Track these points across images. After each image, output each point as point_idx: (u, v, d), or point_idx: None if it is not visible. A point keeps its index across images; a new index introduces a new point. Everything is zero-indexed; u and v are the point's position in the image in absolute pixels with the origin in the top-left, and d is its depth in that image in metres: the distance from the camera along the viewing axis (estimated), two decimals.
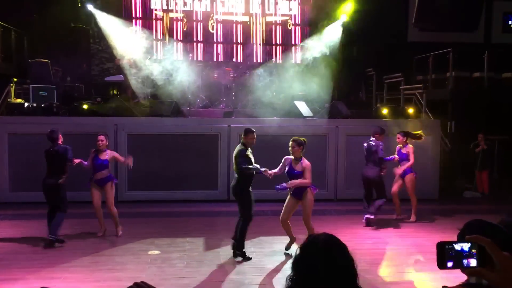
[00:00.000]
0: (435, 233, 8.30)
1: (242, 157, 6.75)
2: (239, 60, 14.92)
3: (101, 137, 7.87)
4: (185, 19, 14.69)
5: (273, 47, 15.70)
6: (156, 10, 15.02)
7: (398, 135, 9.26)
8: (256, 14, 15.29)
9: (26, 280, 5.89)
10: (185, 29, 14.82)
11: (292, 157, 6.96)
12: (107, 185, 7.85)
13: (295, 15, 15.67)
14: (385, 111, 12.11)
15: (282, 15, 15.51)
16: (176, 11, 14.98)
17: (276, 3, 15.45)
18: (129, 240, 7.70)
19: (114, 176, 8.42)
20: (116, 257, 6.90)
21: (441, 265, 1.36)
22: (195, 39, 15.11)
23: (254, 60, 14.88)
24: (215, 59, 14.87)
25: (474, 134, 12.32)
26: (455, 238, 1.86)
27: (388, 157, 9.05)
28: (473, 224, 1.93)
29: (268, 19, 15.42)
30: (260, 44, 15.34)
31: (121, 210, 9.89)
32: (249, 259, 6.77)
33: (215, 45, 15.17)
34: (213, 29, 14.67)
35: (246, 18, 15.18)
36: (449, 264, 1.35)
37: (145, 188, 10.61)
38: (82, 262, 6.70)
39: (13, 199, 10.14)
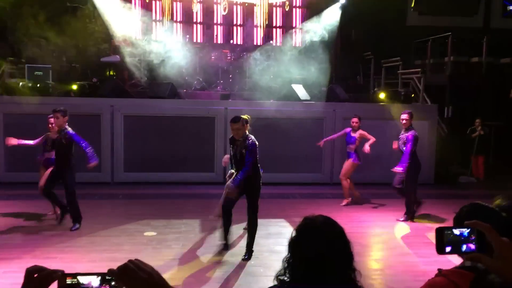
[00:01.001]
0: (431, 217, 8.35)
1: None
2: (238, 43, 14.75)
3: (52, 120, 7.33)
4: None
5: (272, 29, 15.54)
6: None
7: (356, 119, 8.83)
8: None
9: (21, 259, 5.90)
10: (195, 11, 14.42)
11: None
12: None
13: None
14: (382, 95, 12.08)
15: None
16: None
17: None
18: (125, 221, 7.71)
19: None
20: (112, 238, 6.92)
21: (440, 250, 1.36)
22: (194, 21, 14.91)
23: (255, 43, 14.70)
24: (215, 41, 14.69)
25: (471, 120, 12.32)
26: (450, 223, 1.85)
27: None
28: (470, 207, 1.92)
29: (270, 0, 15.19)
30: (261, 26, 15.16)
31: (117, 191, 9.93)
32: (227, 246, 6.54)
33: (215, 26, 14.97)
34: (225, 10, 14.46)
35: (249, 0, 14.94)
36: (448, 249, 1.35)
37: (141, 169, 10.60)
38: (78, 242, 6.71)
39: (8, 179, 10.13)
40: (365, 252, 6.51)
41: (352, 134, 8.86)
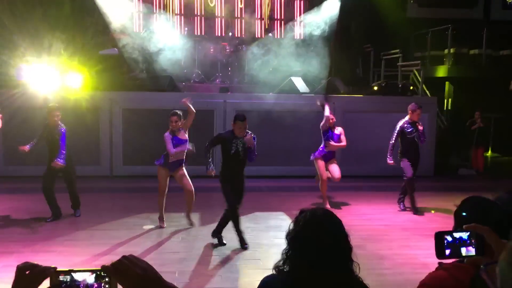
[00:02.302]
0: (429, 210, 8.35)
1: (213, 140, 6.51)
2: (237, 35, 14.65)
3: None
4: None
5: (273, 22, 15.43)
6: None
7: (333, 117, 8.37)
8: None
9: (21, 253, 5.90)
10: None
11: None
12: None
13: None
14: (376, 88, 12.02)
15: None
16: None
17: None
18: (124, 215, 7.71)
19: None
20: (112, 231, 6.92)
21: (440, 254, 1.35)
22: (195, 13, 14.79)
23: (256, 36, 14.60)
24: (217, 34, 14.58)
25: (471, 112, 12.30)
26: (450, 215, 1.84)
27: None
28: (471, 201, 1.91)
29: None
30: (262, 18, 15.06)
31: (117, 184, 9.91)
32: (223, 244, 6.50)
33: (216, 19, 14.87)
34: (212, 2, 14.34)
35: None
36: (447, 251, 1.34)
37: (141, 163, 10.57)
38: (77, 236, 6.71)
39: (7, 173, 10.10)
40: (364, 244, 6.51)
41: (337, 132, 8.31)
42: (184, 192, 7.16)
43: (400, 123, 8.30)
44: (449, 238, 1.35)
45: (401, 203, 8.42)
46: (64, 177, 7.51)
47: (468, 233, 1.33)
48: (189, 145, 7.22)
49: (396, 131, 8.28)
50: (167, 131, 7.05)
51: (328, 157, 8.35)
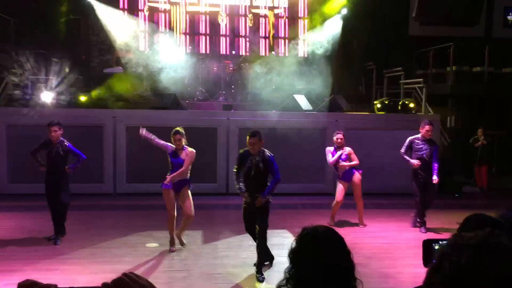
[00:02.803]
0: (434, 228, 8.30)
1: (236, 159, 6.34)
2: (241, 53, 14.79)
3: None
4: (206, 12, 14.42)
5: (276, 40, 15.55)
6: (157, 2, 14.85)
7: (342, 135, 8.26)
8: (263, 7, 15.11)
9: (23, 271, 5.88)
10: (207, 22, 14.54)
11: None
12: None
13: (298, 8, 15.44)
14: (379, 105, 12.06)
15: (269, 8, 15.24)
16: (185, 4, 14.76)
17: None
18: (127, 233, 7.69)
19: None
20: (114, 250, 6.89)
21: (427, 262, 1.34)
22: (201, 32, 14.95)
23: (261, 53, 14.74)
24: (221, 52, 14.72)
25: (473, 129, 12.30)
26: (452, 232, 1.84)
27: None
28: (473, 219, 1.91)
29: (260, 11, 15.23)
30: (266, 37, 15.21)
31: (120, 202, 9.91)
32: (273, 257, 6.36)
33: (221, 38, 15.02)
34: (222, 21, 14.57)
35: (256, 10, 15.01)
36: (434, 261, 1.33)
37: (144, 180, 10.58)
38: (79, 254, 6.69)
39: (11, 191, 10.12)
40: (367, 262, 6.46)
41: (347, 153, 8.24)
42: (183, 214, 6.84)
43: (411, 137, 8.20)
44: (437, 247, 1.33)
45: (422, 227, 8.12)
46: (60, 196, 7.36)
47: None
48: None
49: (406, 142, 8.18)
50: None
51: (348, 177, 8.25)
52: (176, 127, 6.99)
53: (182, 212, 6.86)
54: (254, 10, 14.87)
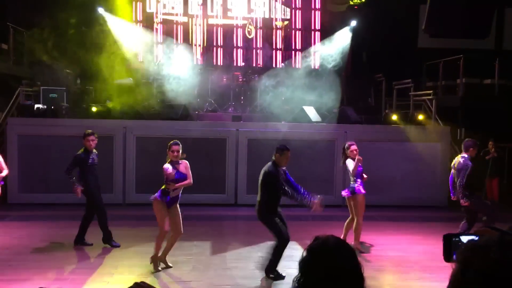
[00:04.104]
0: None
1: (279, 182, 6.22)
2: (254, 65, 14.91)
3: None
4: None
5: (285, 52, 15.64)
6: (167, 14, 15.02)
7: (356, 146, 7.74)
8: (276, 19, 15.26)
9: (33, 281, 5.91)
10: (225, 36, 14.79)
11: None
12: None
13: (313, 21, 15.53)
14: (394, 117, 12.06)
15: (283, 19, 15.40)
16: (197, 16, 14.96)
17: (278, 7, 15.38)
18: (136, 243, 7.70)
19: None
20: (123, 260, 6.91)
21: (448, 257, 1.34)
22: (214, 44, 15.10)
23: (274, 65, 14.86)
24: (234, 64, 14.87)
25: (484, 141, 12.20)
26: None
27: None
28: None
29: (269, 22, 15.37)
30: (280, 49, 15.33)
31: (129, 212, 9.94)
32: (282, 277, 6.22)
33: (234, 49, 15.16)
34: (250, 34, 14.80)
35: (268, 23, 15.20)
36: (455, 256, 1.31)
37: (153, 191, 10.59)
38: (88, 264, 6.71)
39: (21, 200, 10.20)
40: (377, 276, 6.41)
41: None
42: (172, 233, 6.45)
43: (467, 162, 7.45)
44: (458, 241, 1.32)
45: None
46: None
47: (477, 237, 1.31)
48: None
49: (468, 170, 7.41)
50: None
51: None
52: (175, 140, 6.62)
53: (172, 231, 6.47)
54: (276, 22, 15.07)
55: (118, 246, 7.42)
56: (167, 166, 6.35)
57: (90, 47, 14.02)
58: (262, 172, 6.29)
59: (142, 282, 1.24)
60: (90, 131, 7.59)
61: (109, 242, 7.45)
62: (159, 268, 6.44)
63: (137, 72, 13.07)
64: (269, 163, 6.29)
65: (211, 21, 14.97)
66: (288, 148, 6.37)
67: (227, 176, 10.80)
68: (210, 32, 15.01)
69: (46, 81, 11.95)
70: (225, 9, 14.97)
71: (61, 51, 13.09)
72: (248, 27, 14.72)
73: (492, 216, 7.61)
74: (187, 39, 14.87)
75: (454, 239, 1.33)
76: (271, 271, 6.21)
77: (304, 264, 1.80)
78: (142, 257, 7.02)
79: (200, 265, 6.75)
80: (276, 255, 6.19)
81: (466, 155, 7.44)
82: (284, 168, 6.39)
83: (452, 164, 7.71)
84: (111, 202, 10.32)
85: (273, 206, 6.28)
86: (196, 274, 6.43)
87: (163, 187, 6.47)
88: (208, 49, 15.03)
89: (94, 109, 11.41)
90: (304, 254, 1.83)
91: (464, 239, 1.33)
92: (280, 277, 6.21)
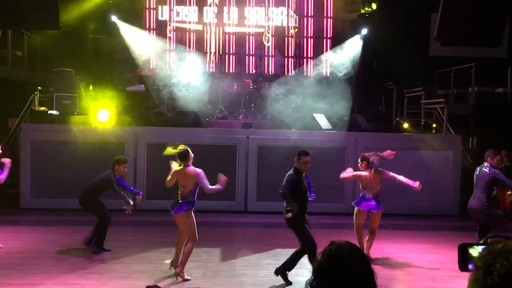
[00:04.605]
0: (455, 250, 8.13)
1: (289, 183, 6.18)
2: (266, 72, 14.98)
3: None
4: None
5: (296, 60, 15.69)
6: (179, 22, 15.14)
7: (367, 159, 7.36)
8: (288, 27, 15.34)
9: (44, 285, 5.96)
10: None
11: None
12: None
13: (324, 29, 15.57)
14: (405, 125, 12.01)
15: (294, 27, 15.45)
16: (210, 24, 15.08)
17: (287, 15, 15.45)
18: (146, 249, 7.74)
19: None
20: (133, 265, 6.94)
21: (463, 267, 1.34)
22: (227, 52, 15.18)
23: (286, 73, 14.93)
24: (246, 71, 14.94)
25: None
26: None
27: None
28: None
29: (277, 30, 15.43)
30: (292, 56, 15.39)
31: (139, 218, 9.98)
32: (289, 283, 6.22)
33: (246, 57, 15.24)
34: (268, 42, 14.92)
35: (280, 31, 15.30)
36: (471, 266, 1.32)
37: (163, 197, 10.64)
38: (99, 269, 6.75)
39: (34, 205, 10.29)
40: (387, 284, 6.36)
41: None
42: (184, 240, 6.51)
43: (493, 170, 7.37)
44: (472, 251, 1.33)
45: None
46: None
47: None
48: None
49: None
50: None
51: None
52: (181, 145, 6.70)
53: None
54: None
55: (98, 252, 7.37)
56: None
57: (102, 54, 14.20)
58: None
59: (155, 286, 1.26)
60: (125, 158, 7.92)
61: (91, 245, 7.42)
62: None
63: (149, 79, 13.17)
64: (292, 168, 6.32)
65: (227, 29, 15.07)
66: (305, 153, 6.27)
67: (237, 183, 10.82)
68: (224, 40, 15.10)
69: (59, 87, 12.09)
70: (242, 17, 15.06)
71: (74, 58, 13.27)
72: (266, 35, 14.82)
73: (503, 226, 7.53)
74: (199, 47, 14.97)
75: (469, 248, 1.34)
76: (282, 272, 6.25)
77: (317, 267, 1.82)
78: (151, 263, 7.05)
79: (209, 272, 6.76)
80: (295, 259, 6.26)
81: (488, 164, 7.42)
82: (304, 174, 6.33)
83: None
84: (122, 208, 10.38)
85: (300, 211, 6.16)
86: (205, 280, 6.43)
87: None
88: (222, 56, 15.12)
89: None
90: (319, 257, 1.84)
91: (480, 248, 1.34)
92: (287, 281, 6.21)
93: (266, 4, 14.96)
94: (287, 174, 6.29)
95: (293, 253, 6.30)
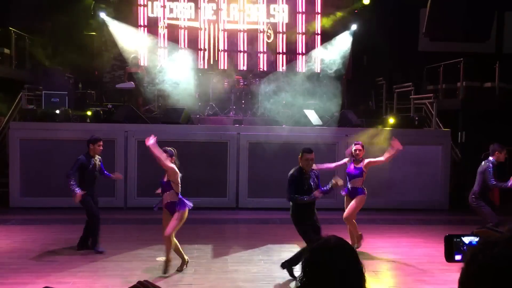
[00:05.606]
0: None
1: (292, 185, 6.14)
2: (258, 69, 14.97)
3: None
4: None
5: (282, 55, 15.69)
6: (171, 19, 15.04)
7: (360, 146, 7.53)
8: (279, 23, 15.33)
9: (35, 284, 5.93)
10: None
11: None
12: None
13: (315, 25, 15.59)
14: (391, 120, 12.05)
15: (267, 23, 15.44)
16: (204, 21, 15.01)
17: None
18: (138, 246, 7.72)
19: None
20: (125, 263, 6.93)
21: (449, 257, 1.36)
22: (221, 49, 15.13)
23: (276, 69, 14.93)
24: (239, 68, 14.91)
25: (485, 145, 12.20)
26: None
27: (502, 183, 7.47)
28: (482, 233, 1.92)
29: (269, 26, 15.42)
30: (283, 53, 15.39)
31: (130, 216, 9.96)
32: (294, 276, 6.14)
33: (238, 53, 15.20)
34: (269, 38, 14.89)
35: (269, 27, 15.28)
36: (457, 257, 1.34)
37: (154, 194, 10.64)
38: (90, 267, 6.73)
39: (24, 204, 10.23)
40: (379, 279, 6.41)
41: (357, 166, 7.52)
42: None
43: (486, 164, 7.59)
44: (459, 242, 1.35)
45: None
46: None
47: (478, 238, 1.33)
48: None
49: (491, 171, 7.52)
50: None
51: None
52: (174, 143, 6.87)
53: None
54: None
55: (103, 252, 7.31)
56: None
57: (91, 51, 14.10)
58: None
59: (146, 281, 1.27)
60: (98, 136, 7.56)
61: (95, 248, 7.35)
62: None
63: (139, 76, 13.11)
64: (294, 168, 6.29)
65: (225, 26, 15.01)
66: (309, 150, 6.26)
67: (228, 179, 10.83)
68: (219, 37, 15.04)
69: (47, 85, 11.99)
70: (241, 14, 15.02)
71: (63, 55, 13.16)
72: (268, 32, 14.82)
73: (491, 218, 7.64)
74: (191, 44, 14.90)
75: (455, 239, 1.36)
76: (288, 266, 6.25)
77: (306, 263, 1.83)
78: (143, 261, 7.04)
79: (201, 268, 6.77)
80: (300, 256, 6.24)
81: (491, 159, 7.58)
82: (316, 171, 6.38)
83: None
84: (113, 206, 10.36)
85: (302, 210, 6.21)
86: (197, 277, 6.44)
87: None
88: (214, 53, 15.08)
89: (89, 113, 11.40)
90: (308, 253, 1.85)
91: (466, 239, 1.36)
92: (293, 276, 6.18)
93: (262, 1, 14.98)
94: (289, 174, 6.24)
95: (300, 250, 6.37)
